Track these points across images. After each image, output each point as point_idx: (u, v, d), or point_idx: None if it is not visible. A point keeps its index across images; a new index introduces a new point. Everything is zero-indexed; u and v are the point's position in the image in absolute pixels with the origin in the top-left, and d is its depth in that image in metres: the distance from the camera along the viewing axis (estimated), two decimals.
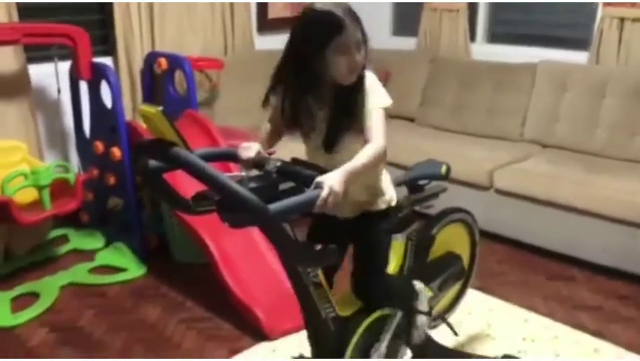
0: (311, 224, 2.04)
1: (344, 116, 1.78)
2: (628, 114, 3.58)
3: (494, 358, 2.46)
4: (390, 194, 1.98)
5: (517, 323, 2.80)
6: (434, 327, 2.43)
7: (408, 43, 4.67)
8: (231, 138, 3.39)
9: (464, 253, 2.48)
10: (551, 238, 3.37)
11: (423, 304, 2.17)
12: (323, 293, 1.87)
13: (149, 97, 3.76)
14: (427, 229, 2.25)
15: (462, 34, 4.41)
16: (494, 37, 4.50)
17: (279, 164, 1.68)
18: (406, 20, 4.85)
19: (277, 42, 4.55)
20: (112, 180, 3.33)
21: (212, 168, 1.41)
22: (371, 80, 1.80)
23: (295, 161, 1.71)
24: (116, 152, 3.23)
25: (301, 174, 1.61)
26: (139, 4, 3.67)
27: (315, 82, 1.78)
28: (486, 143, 3.94)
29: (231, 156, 1.77)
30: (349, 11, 1.71)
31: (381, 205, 1.95)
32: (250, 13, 4.32)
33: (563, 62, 3.89)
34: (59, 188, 3.12)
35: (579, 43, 4.00)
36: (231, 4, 4.16)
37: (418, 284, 2.16)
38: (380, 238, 1.98)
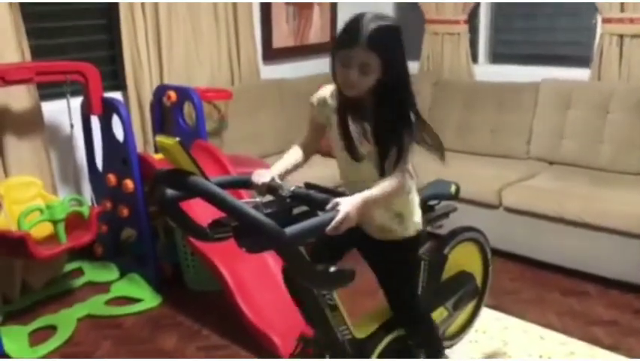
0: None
1: (382, 136, 1.78)
2: (632, 128, 3.62)
3: None
4: (418, 220, 1.99)
5: (533, 340, 2.80)
6: (451, 346, 2.45)
7: (411, 66, 4.70)
8: (241, 166, 3.44)
9: (477, 271, 2.50)
10: (563, 254, 3.38)
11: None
12: (339, 316, 1.90)
13: (160, 129, 3.82)
14: (439, 249, 2.28)
15: (464, 56, 4.48)
16: (496, 57, 4.57)
17: (292, 189, 1.72)
18: (408, 44, 4.90)
19: (282, 71, 4.70)
20: (125, 211, 3.38)
21: (229, 195, 1.46)
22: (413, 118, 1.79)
23: (308, 185, 1.76)
24: (129, 184, 3.29)
25: (314, 198, 1.65)
26: (147, 38, 3.76)
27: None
28: (493, 162, 3.98)
29: (245, 183, 1.81)
30: (377, 34, 1.68)
31: (411, 232, 1.95)
32: (255, 43, 4.40)
33: (566, 79, 3.94)
34: (74, 221, 3.16)
35: (581, 60, 4.06)
36: (237, 34, 4.24)
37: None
38: (411, 267, 2.02)
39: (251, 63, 4.39)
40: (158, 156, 3.43)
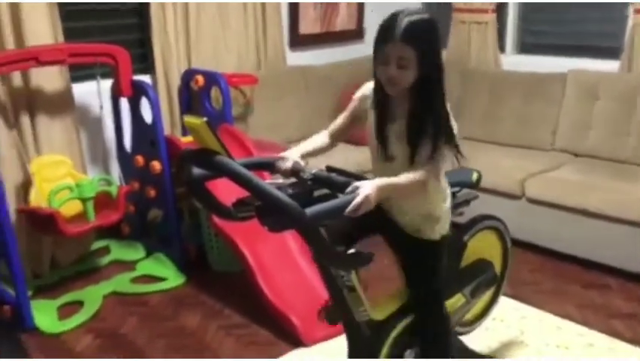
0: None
1: (411, 135, 1.80)
2: None
3: None
4: (446, 226, 2.00)
5: (551, 330, 2.81)
6: (467, 333, 2.47)
7: None
8: (265, 151, 3.48)
9: (496, 260, 2.51)
10: (585, 247, 3.37)
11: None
12: (356, 297, 1.94)
13: (187, 112, 3.88)
14: (458, 236, 2.30)
15: (491, 45, 4.45)
16: (524, 47, 4.54)
17: (314, 171, 1.76)
18: None
19: (308, 58, 4.72)
20: (152, 192, 3.46)
21: (253, 175, 1.50)
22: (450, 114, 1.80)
23: (329, 168, 1.79)
24: (156, 165, 3.36)
25: (335, 181, 1.69)
26: (176, 23, 3.81)
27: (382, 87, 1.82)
28: (517, 152, 3.97)
29: (270, 165, 1.86)
30: (412, 27, 1.69)
31: (436, 236, 1.97)
32: (282, 29, 4.43)
33: (594, 71, 3.90)
34: (102, 201, 3.25)
35: (610, 51, 4.00)
36: (264, 20, 4.28)
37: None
38: (432, 268, 2.02)
39: (277, 49, 4.42)
40: (185, 139, 3.49)
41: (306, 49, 4.66)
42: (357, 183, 1.59)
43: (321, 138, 2.01)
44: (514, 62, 4.40)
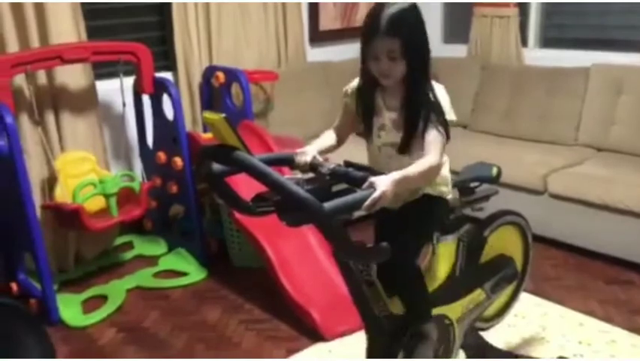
0: (375, 223, 2.11)
1: (408, 123, 1.84)
2: None
3: (549, 359, 2.47)
4: (445, 188, 2.01)
5: (573, 326, 2.79)
6: (488, 328, 2.47)
7: (459, 50, 4.70)
8: (285, 147, 3.50)
9: (517, 256, 2.49)
10: (608, 242, 3.33)
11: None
12: (375, 291, 1.94)
13: (208, 109, 3.92)
14: (478, 231, 2.29)
15: (513, 39, 4.41)
16: (546, 41, 4.48)
17: (332, 167, 1.76)
18: (456, 27, 4.88)
19: (328, 54, 4.72)
20: (174, 188, 3.50)
21: (272, 170, 1.52)
22: (438, 94, 1.84)
23: (347, 163, 1.80)
24: (178, 161, 3.39)
25: (352, 176, 1.69)
26: (197, 21, 3.85)
27: (375, 81, 1.87)
28: (539, 147, 3.93)
29: (288, 161, 1.87)
30: (393, 19, 1.73)
31: (434, 192, 1.97)
32: (302, 25, 4.44)
33: (618, 64, 3.85)
34: (125, 196, 3.29)
35: (634, 45, 3.94)
36: (284, 17, 4.29)
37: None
38: (422, 224, 2.01)
39: (298, 45, 4.44)
40: (207, 135, 3.53)
41: (326, 45, 4.67)
42: (373, 179, 1.59)
43: (328, 136, 2.04)
44: (537, 56, 4.35)
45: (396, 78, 1.82)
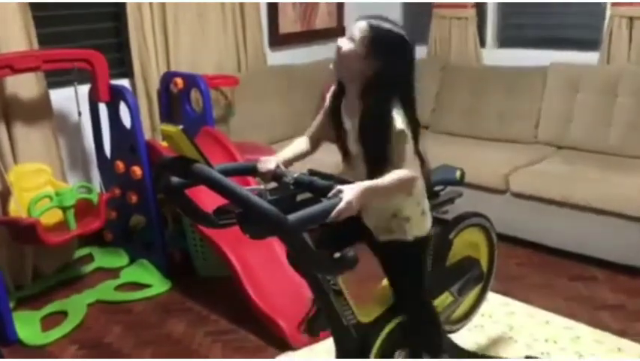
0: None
1: (367, 131, 1.79)
2: None
3: (517, 359, 2.48)
4: (423, 225, 1.95)
5: (539, 324, 2.81)
6: (456, 331, 2.46)
7: (419, 51, 4.68)
8: (248, 153, 3.45)
9: (482, 257, 2.50)
10: (571, 239, 3.37)
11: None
12: (343, 301, 1.92)
13: (167, 116, 3.84)
14: (444, 234, 2.29)
15: (472, 40, 4.45)
16: (504, 41, 4.53)
17: (295, 176, 1.73)
18: (415, 28, 4.90)
19: (289, 57, 4.68)
20: (134, 198, 3.41)
21: (232, 182, 1.47)
22: (396, 114, 1.76)
23: (312, 172, 1.77)
24: (137, 171, 3.31)
25: (317, 185, 1.66)
26: (153, 26, 3.76)
27: (342, 87, 1.86)
28: (500, 147, 3.96)
29: (251, 170, 1.83)
30: (369, 34, 1.73)
31: (408, 237, 1.92)
32: (261, 28, 4.39)
33: (574, 63, 3.91)
34: (83, 208, 3.19)
35: (589, 43, 4.01)
36: (243, 20, 4.24)
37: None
38: (412, 269, 1.99)
39: (257, 49, 4.38)
40: (166, 143, 3.45)
41: (286, 48, 4.63)
42: (339, 187, 1.56)
43: (300, 144, 2.00)
44: (495, 56, 4.39)
45: (351, 71, 1.78)
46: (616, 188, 3.23)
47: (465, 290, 2.35)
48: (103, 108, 3.50)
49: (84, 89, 3.45)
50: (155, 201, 3.40)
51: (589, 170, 3.46)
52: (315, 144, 2.00)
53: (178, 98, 3.75)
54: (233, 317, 2.98)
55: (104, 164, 3.60)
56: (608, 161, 3.58)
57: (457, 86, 4.35)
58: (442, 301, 2.24)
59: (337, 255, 1.58)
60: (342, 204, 1.53)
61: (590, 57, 3.93)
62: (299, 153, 1.96)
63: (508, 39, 4.52)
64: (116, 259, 3.62)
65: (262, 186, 1.71)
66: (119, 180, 3.47)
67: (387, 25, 1.76)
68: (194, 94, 3.74)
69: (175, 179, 1.69)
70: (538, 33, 4.40)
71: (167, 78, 3.76)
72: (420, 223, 1.94)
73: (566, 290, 3.11)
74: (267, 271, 3.00)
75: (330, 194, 1.56)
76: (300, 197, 1.71)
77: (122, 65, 3.85)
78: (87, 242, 3.67)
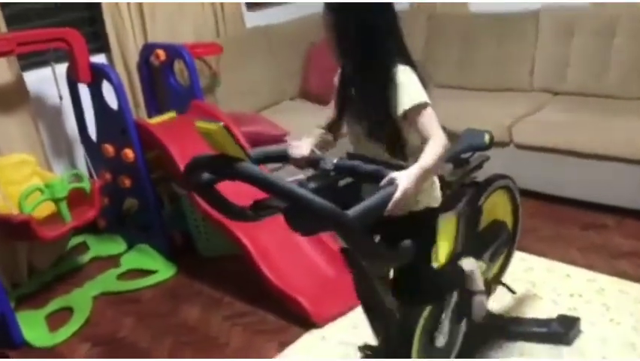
0: None
1: (373, 106, 1.66)
2: (638, 52, 3.51)
3: (550, 319, 2.44)
4: (434, 194, 1.83)
5: (561, 279, 2.79)
6: (489, 296, 2.41)
7: (400, 2, 4.53)
8: (243, 125, 3.30)
9: (508, 218, 2.44)
10: (578, 187, 3.34)
11: (477, 283, 2.11)
12: (386, 285, 1.84)
13: (149, 90, 3.64)
14: (473, 202, 2.20)
15: None
16: None
17: (335, 161, 1.60)
18: None
19: (268, 17, 4.45)
20: (127, 182, 3.24)
21: (281, 179, 1.34)
22: (404, 76, 1.64)
23: (350, 156, 1.64)
24: (129, 153, 3.13)
25: (362, 170, 1.54)
26: None
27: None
28: (496, 97, 3.87)
29: (283, 156, 1.70)
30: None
31: (419, 206, 1.78)
32: None
33: (566, 6, 3.80)
34: (75, 198, 3.02)
35: None
36: None
37: (468, 264, 2.09)
38: (422, 238, 1.85)
39: (235, 11, 4.16)
40: (154, 121, 3.27)
41: (264, 7, 4.41)
42: (393, 175, 1.44)
43: (321, 131, 1.84)
44: (483, 1, 4.23)
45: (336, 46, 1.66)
46: (618, 132, 3.19)
47: (496, 256, 2.29)
48: (83, 88, 3.28)
49: (62, 69, 3.22)
50: (151, 183, 3.25)
51: (589, 116, 3.40)
52: (335, 133, 1.84)
53: (160, 71, 3.55)
54: (249, 298, 2.88)
55: (90, 148, 3.40)
56: (608, 105, 3.52)
57: (446, 37, 4.21)
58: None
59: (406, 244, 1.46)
60: (398, 193, 1.41)
61: None
62: (326, 140, 1.81)
63: None
64: (113, 245, 3.47)
65: (301, 176, 1.58)
66: (109, 164, 3.29)
67: None
68: (178, 65, 3.54)
69: (205, 175, 1.55)
70: None
71: (147, 50, 3.53)
72: (431, 192, 1.82)
73: (579, 240, 3.09)
74: (281, 249, 2.89)
75: (383, 182, 1.44)
76: (342, 182, 1.60)
77: (97, 40, 3.61)
78: (79, 230, 3.48)
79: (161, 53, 3.44)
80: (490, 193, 2.28)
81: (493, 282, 2.42)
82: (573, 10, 3.77)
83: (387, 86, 1.62)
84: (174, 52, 3.42)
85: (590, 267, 2.85)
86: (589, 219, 3.25)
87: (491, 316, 2.41)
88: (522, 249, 2.99)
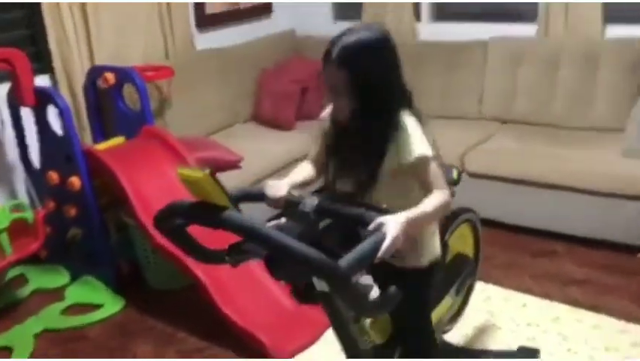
0: None
1: (369, 158, 1.64)
2: (583, 83, 3.65)
3: (511, 351, 2.47)
4: (434, 249, 1.83)
5: (517, 308, 2.83)
6: (450, 329, 2.42)
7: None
8: (195, 150, 3.21)
9: (469, 249, 2.46)
10: (529, 215, 3.41)
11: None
12: (361, 327, 1.80)
13: (95, 114, 3.48)
14: (440, 238, 2.19)
15: (407, 13, 4.34)
16: (439, 15, 4.45)
17: (315, 202, 1.55)
18: (346, 3, 4.73)
19: (218, 39, 4.38)
20: (72, 211, 3.08)
21: (271, 230, 1.28)
22: (411, 128, 1.65)
23: (330, 197, 1.60)
24: (76, 182, 2.98)
25: (347, 214, 1.50)
26: (72, 14, 3.36)
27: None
28: (446, 124, 3.86)
29: (258, 197, 1.64)
30: (350, 48, 1.56)
31: (423, 262, 1.79)
32: (188, 10, 4.06)
33: (514, 37, 3.92)
34: (17, 229, 2.85)
35: (527, 15, 4.01)
36: (168, 4, 3.89)
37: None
38: (420, 300, 1.86)
39: (185, 33, 4.06)
40: (101, 146, 3.13)
41: (214, 29, 4.33)
42: (381, 220, 1.40)
43: (304, 168, 1.80)
44: (432, 31, 4.32)
45: (345, 115, 1.63)
46: (565, 163, 3.29)
47: (461, 289, 2.30)
48: (26, 112, 3.10)
49: (2, 90, 3.04)
50: (98, 212, 3.09)
51: (539, 145, 3.50)
52: (320, 168, 1.80)
53: (108, 94, 3.40)
54: (204, 333, 2.77)
55: (33, 176, 3.21)
56: (555, 134, 3.64)
57: None
58: (443, 307, 2.17)
59: (375, 292, 1.43)
60: (387, 241, 1.36)
61: (529, 29, 3.93)
62: (308, 178, 1.76)
63: (443, 12, 4.45)
64: (56, 277, 3.27)
65: (283, 221, 1.52)
66: (52, 192, 3.11)
67: (352, 37, 1.59)
68: (127, 88, 3.40)
69: (178, 219, 1.47)
70: (475, 5, 4.34)
71: (95, 73, 3.38)
72: (434, 245, 1.82)
73: (531, 267, 3.15)
74: (237, 281, 2.79)
75: (370, 227, 1.40)
76: (322, 224, 1.55)
77: (39, 60, 3.42)
78: (17, 261, 3.28)
79: (110, 76, 3.30)
80: (456, 228, 2.28)
81: (455, 316, 2.42)
82: (521, 40, 3.89)
83: (391, 134, 1.62)
84: (124, 75, 3.29)
85: (544, 295, 2.90)
86: (540, 246, 3.33)
87: (456, 349, 2.41)
88: (479, 277, 3.02)
